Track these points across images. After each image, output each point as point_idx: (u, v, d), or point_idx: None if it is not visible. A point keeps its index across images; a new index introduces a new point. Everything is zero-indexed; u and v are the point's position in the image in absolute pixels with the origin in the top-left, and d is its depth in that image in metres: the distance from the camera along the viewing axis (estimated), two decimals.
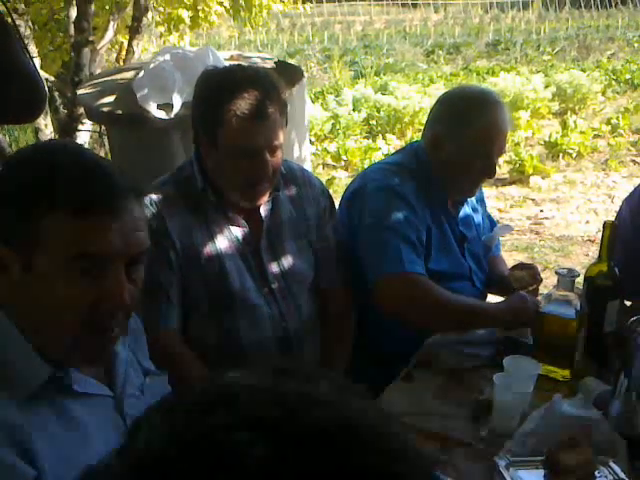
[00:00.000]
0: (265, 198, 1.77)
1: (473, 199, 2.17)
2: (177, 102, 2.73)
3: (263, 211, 1.80)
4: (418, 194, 1.94)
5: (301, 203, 1.89)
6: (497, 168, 1.99)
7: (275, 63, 3.21)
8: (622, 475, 1.34)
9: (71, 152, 1.02)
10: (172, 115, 2.72)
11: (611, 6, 16.08)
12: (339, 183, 6.27)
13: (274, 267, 1.83)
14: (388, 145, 7.29)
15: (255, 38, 13.59)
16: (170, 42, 5.80)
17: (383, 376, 1.75)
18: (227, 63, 2.68)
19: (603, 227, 1.71)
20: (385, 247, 1.84)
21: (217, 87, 1.67)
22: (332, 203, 1.99)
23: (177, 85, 2.76)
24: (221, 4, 5.02)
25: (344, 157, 7.14)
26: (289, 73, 3.06)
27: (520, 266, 2.15)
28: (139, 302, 1.07)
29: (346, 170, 6.96)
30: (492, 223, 2.33)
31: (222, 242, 1.76)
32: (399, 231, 1.85)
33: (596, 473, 1.35)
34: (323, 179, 6.43)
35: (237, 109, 1.62)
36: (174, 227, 1.72)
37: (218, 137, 1.67)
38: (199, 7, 5.14)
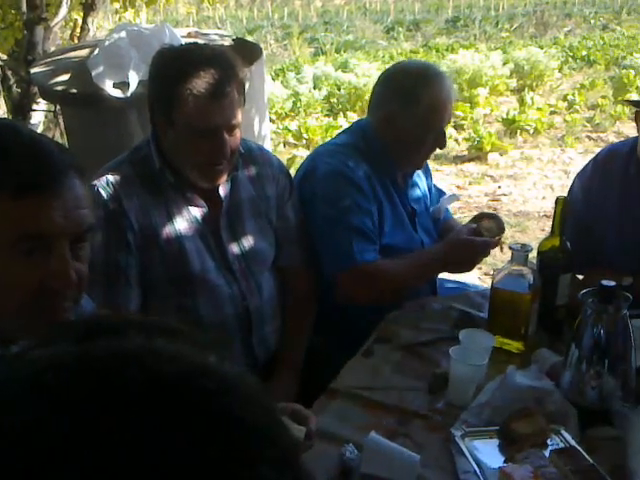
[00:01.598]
0: (224, 178, 1.77)
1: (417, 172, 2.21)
2: (133, 80, 2.69)
3: (222, 191, 1.80)
4: (369, 174, 1.99)
5: (261, 182, 1.89)
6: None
7: (233, 40, 3.18)
8: (573, 442, 1.39)
9: (7, 131, 1.00)
10: (128, 94, 2.68)
11: None
12: (300, 162, 6.25)
13: (234, 247, 1.83)
14: (349, 123, 7.28)
15: (214, 14, 13.38)
16: (126, 19, 5.69)
17: (344, 353, 1.78)
18: (184, 40, 2.65)
19: (555, 203, 1.75)
20: (337, 242, 1.91)
21: (173, 66, 1.65)
22: (292, 182, 2.00)
23: (133, 63, 2.71)
24: None
25: (305, 135, 7.11)
26: (248, 50, 3.03)
27: (485, 216, 2.17)
28: (91, 281, 1.07)
29: (307, 149, 6.93)
30: (440, 193, 2.37)
31: (181, 223, 1.76)
32: (350, 221, 1.91)
33: (548, 441, 1.40)
34: (284, 158, 6.40)
35: (194, 88, 1.60)
36: (131, 208, 1.71)
37: (175, 117, 1.65)
38: None
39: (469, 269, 2.06)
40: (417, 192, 2.19)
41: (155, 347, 0.43)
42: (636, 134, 1.96)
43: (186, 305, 1.77)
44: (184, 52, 1.70)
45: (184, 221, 1.76)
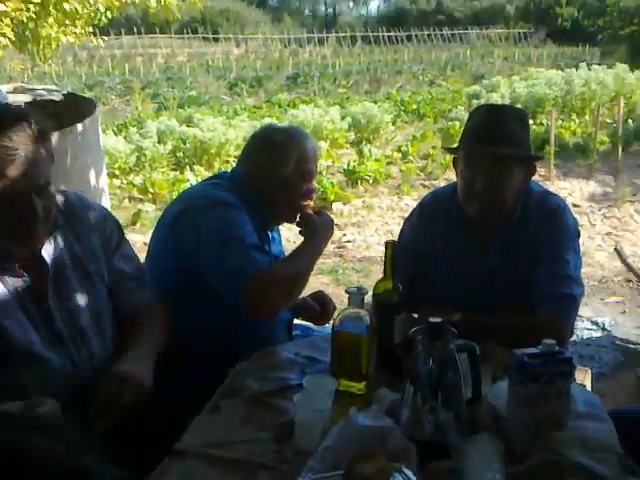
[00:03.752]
0: (42, 241, 1.66)
1: None
2: None
3: (46, 255, 1.69)
4: (245, 206, 2.06)
5: (85, 235, 1.79)
6: None
7: (64, 95, 3.08)
8: (414, 478, 1.42)
9: None
10: None
11: (397, 42, 17.41)
12: (146, 216, 6.13)
13: (63, 314, 1.71)
14: (196, 176, 7.29)
15: (50, 70, 12.95)
16: None
17: (189, 412, 1.73)
18: (10, 96, 2.54)
19: (385, 247, 1.84)
20: (239, 258, 1.93)
21: None
22: (120, 229, 1.93)
23: None
24: (4, 35, 4.70)
25: (151, 190, 7.00)
26: (80, 105, 2.96)
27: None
28: None
29: (154, 203, 6.82)
30: None
31: None
32: (244, 238, 1.97)
33: (391, 479, 1.43)
34: (130, 213, 6.24)
35: None
36: None
37: None
38: None
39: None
40: (276, 242, 2.32)
41: None
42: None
43: (12, 385, 1.60)
44: None
45: (1, 295, 1.62)
